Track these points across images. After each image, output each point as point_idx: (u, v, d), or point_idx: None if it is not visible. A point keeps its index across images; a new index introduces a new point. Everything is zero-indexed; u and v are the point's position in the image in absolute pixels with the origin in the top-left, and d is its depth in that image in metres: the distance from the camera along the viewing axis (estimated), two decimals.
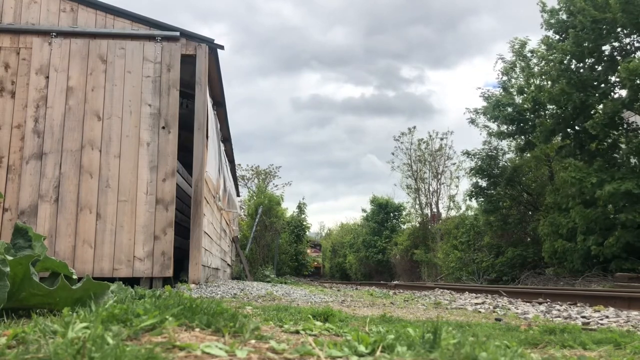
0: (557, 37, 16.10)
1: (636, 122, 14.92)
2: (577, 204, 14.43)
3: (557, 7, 15.85)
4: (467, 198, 22.38)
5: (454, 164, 31.32)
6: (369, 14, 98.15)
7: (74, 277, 2.89)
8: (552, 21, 16.07)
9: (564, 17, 15.60)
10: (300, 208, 25.92)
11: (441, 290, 10.57)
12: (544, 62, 16.96)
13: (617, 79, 14.51)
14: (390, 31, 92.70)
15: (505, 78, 19.89)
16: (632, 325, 4.03)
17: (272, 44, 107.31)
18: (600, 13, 13.76)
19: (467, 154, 21.00)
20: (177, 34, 7.73)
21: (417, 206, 33.51)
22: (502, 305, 6.32)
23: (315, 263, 42.13)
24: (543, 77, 16.71)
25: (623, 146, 14.78)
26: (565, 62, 14.98)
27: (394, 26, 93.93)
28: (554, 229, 15.52)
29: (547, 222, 16.13)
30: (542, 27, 16.45)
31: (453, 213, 30.42)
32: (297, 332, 1.99)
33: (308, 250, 38.60)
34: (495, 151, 20.81)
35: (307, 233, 28.42)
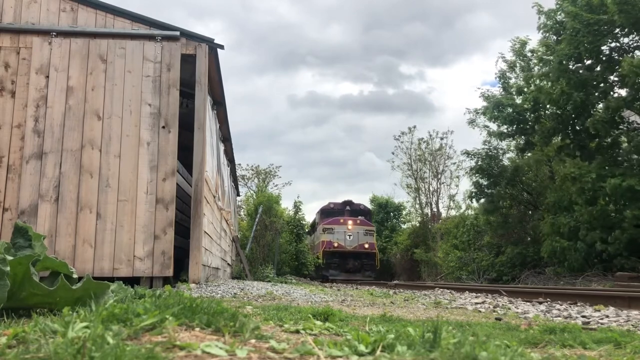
0: (555, 37, 16.08)
1: (636, 121, 14.91)
2: (579, 202, 14.41)
3: (554, 7, 15.84)
4: (468, 200, 22.36)
5: (454, 163, 31.37)
6: (365, 11, 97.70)
7: (74, 276, 2.89)
8: (549, 23, 16.04)
9: (562, 16, 15.57)
10: (297, 207, 25.70)
11: (441, 289, 10.57)
12: (542, 63, 16.95)
13: (617, 78, 14.50)
14: (388, 28, 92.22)
15: (504, 78, 19.87)
16: (632, 325, 4.03)
17: (268, 42, 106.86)
18: (596, 15, 13.74)
19: (467, 154, 20.97)
20: (177, 33, 7.73)
21: (417, 206, 33.59)
22: (502, 304, 6.32)
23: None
24: (542, 78, 16.69)
25: (624, 145, 14.77)
26: (564, 62, 14.96)
27: (391, 23, 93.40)
28: (555, 229, 15.50)
29: (547, 221, 16.11)
30: (538, 31, 16.46)
31: (453, 212, 30.48)
32: (297, 331, 1.99)
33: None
34: (495, 151, 20.78)
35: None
